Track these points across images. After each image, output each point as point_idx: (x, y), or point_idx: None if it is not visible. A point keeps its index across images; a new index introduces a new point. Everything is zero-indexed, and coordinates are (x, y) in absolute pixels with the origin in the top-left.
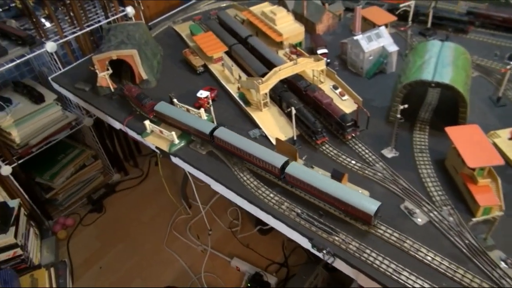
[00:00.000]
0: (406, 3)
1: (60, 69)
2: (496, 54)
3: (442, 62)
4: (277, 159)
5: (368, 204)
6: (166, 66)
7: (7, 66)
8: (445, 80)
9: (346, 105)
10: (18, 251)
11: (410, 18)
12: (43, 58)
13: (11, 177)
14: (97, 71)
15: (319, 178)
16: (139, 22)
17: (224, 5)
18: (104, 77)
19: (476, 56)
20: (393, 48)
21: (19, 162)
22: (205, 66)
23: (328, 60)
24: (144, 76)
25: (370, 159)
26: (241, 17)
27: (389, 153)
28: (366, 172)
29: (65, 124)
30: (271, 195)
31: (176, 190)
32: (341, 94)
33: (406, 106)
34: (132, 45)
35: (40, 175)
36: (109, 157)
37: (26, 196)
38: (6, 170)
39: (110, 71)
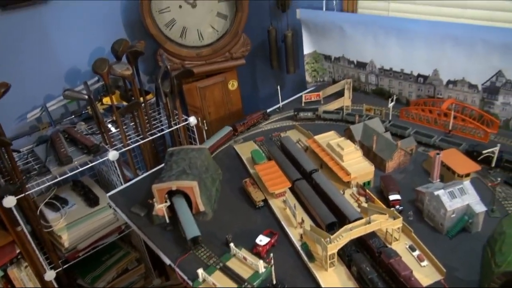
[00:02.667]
0: (489, 150)
1: (119, 177)
2: None
3: None
4: None
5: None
6: (224, 193)
7: (69, 174)
8: None
9: (426, 273)
10: None
11: (493, 164)
12: None
13: (54, 282)
14: (155, 203)
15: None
16: (202, 147)
17: (286, 124)
18: (161, 208)
19: None
20: (480, 208)
21: (64, 266)
22: (265, 200)
23: (401, 208)
24: (202, 208)
25: None
26: (304, 143)
27: None
28: None
29: (115, 228)
30: None
31: None
32: (420, 259)
33: None
34: (193, 175)
35: (83, 276)
36: (151, 259)
37: None
38: (50, 275)
39: (168, 203)
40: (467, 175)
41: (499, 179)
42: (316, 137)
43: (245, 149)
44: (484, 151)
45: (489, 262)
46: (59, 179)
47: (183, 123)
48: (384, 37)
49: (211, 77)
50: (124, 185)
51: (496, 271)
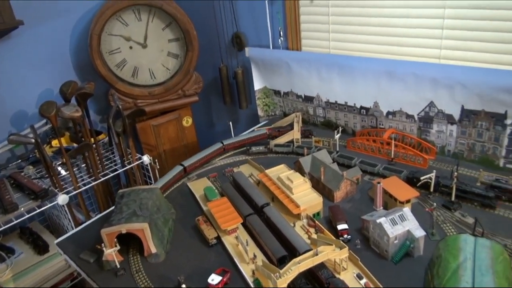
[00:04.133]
0: (427, 176)
1: (70, 221)
2: None
3: (480, 267)
4: None
5: None
6: (177, 232)
7: (15, 221)
8: None
9: None
10: None
11: (431, 189)
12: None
13: None
14: (104, 248)
15: None
16: (153, 188)
17: (239, 159)
18: (111, 253)
19: (510, 241)
20: (419, 233)
21: None
22: (218, 237)
23: (349, 237)
24: (153, 250)
25: None
26: (256, 177)
27: None
28: None
29: (67, 275)
30: None
31: None
32: (367, 287)
33: None
34: (144, 217)
35: None
36: None
37: None
38: None
39: (118, 247)
40: (408, 201)
41: (435, 204)
42: (267, 171)
43: (198, 186)
44: (422, 177)
45: (429, 285)
46: (4, 227)
47: (137, 162)
48: (327, 72)
49: (165, 115)
50: (74, 230)
51: None
